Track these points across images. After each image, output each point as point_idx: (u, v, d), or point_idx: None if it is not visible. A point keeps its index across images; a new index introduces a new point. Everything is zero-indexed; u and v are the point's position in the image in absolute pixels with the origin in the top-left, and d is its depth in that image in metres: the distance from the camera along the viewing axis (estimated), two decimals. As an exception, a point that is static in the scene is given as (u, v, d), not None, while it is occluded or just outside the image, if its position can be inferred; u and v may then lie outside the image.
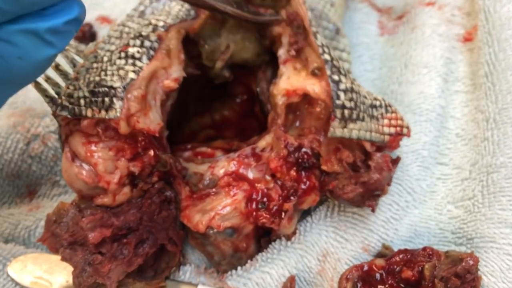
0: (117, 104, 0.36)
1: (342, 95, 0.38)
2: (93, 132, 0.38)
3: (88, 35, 0.59)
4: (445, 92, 0.49)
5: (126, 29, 0.43)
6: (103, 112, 0.36)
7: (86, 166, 0.38)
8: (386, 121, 0.41)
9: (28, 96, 0.51)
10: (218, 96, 0.51)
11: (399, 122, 0.42)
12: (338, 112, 0.38)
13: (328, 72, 0.39)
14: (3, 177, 0.47)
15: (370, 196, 0.40)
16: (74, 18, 0.30)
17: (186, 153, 0.46)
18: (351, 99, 0.39)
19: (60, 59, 0.37)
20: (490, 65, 0.47)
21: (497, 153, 0.43)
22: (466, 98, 0.49)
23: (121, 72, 0.37)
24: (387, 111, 0.42)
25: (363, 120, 0.39)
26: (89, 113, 0.36)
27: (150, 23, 0.40)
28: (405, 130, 0.41)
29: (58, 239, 0.38)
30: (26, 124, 0.48)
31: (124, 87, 0.36)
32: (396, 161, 0.41)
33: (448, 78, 0.50)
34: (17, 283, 0.41)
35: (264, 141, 0.42)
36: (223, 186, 0.41)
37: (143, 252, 0.39)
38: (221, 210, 0.40)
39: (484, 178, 0.43)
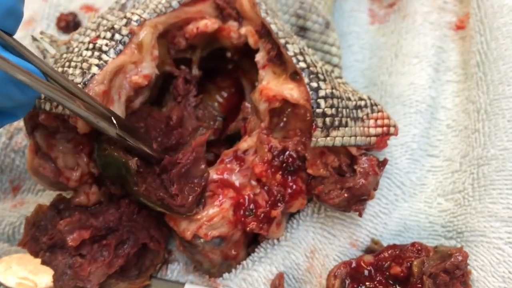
0: None
1: (322, 102, 0.37)
2: (54, 124, 0.37)
3: (72, 25, 0.58)
4: (436, 82, 0.48)
5: (104, 22, 0.41)
6: (60, 108, 0.34)
7: (48, 160, 0.38)
8: (372, 122, 0.40)
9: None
10: (204, 89, 0.50)
11: (386, 121, 0.40)
12: (319, 121, 0.37)
13: (306, 80, 0.38)
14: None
15: (356, 201, 0.39)
16: None
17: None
18: (332, 106, 0.37)
19: (32, 49, 0.36)
20: (481, 54, 0.46)
21: (488, 145, 0.42)
22: (457, 88, 0.48)
23: (84, 65, 0.36)
24: (372, 111, 0.40)
25: (346, 125, 0.38)
26: (47, 107, 0.35)
27: (125, 17, 0.39)
28: (392, 130, 0.40)
29: (38, 242, 0.38)
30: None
31: (84, 83, 0.35)
32: (383, 163, 0.39)
33: (439, 68, 0.49)
34: (1, 284, 0.41)
35: (246, 144, 0.41)
36: (209, 196, 0.40)
37: (124, 252, 0.38)
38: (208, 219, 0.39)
39: (475, 171, 0.43)
